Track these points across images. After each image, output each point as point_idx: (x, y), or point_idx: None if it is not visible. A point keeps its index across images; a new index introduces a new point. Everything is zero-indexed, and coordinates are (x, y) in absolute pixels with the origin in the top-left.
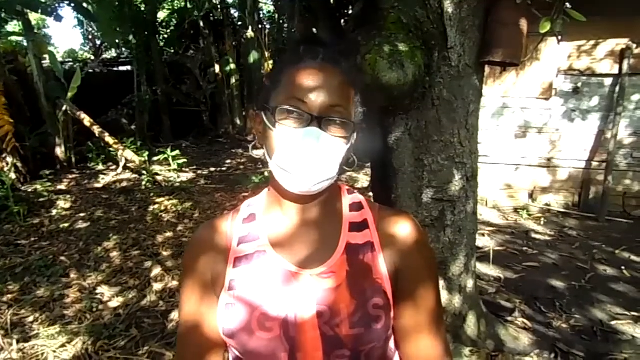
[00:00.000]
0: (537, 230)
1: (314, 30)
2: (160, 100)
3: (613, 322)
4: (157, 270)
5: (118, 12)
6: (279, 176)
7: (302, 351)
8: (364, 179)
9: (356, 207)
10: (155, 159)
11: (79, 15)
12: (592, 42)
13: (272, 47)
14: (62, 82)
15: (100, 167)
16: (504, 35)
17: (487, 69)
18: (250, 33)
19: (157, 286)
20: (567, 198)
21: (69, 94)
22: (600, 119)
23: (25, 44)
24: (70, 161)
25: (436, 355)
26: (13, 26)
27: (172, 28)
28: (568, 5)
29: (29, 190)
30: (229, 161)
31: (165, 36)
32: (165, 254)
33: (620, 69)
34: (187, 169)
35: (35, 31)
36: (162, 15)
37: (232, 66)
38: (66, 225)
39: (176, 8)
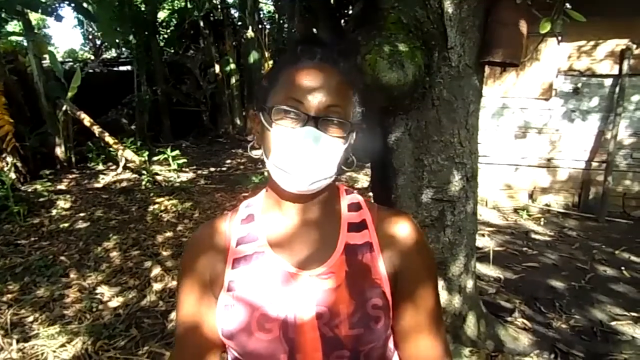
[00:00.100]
0: (537, 231)
1: (314, 30)
2: (160, 100)
3: (613, 323)
4: (157, 270)
5: (118, 12)
6: (277, 176)
7: (302, 352)
8: (363, 179)
9: (355, 207)
10: (155, 158)
11: (79, 15)
12: (592, 43)
13: (272, 47)
14: (62, 82)
15: (100, 167)
16: (504, 36)
17: (487, 69)
18: (250, 33)
19: (157, 286)
20: (567, 198)
21: (69, 94)
22: (600, 119)
23: (25, 43)
24: (70, 161)
25: (436, 355)
26: (13, 26)
27: (172, 28)
28: (568, 5)
29: (29, 190)
30: (228, 161)
31: (165, 36)
32: (165, 254)
33: (620, 70)
34: (187, 169)
35: (36, 31)
36: (162, 15)
37: (232, 66)
38: (66, 225)
39: (176, 8)
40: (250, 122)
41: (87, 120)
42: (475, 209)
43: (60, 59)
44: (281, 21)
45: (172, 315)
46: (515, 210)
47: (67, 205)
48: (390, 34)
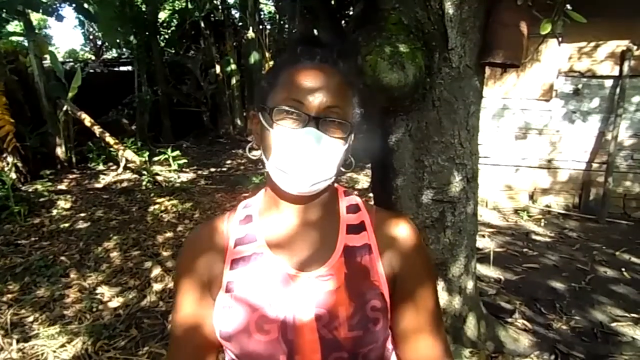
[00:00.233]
0: (537, 232)
1: (315, 30)
2: (160, 101)
3: (613, 324)
4: (157, 271)
5: (119, 12)
6: (277, 177)
7: (300, 354)
8: (364, 180)
9: (353, 209)
10: (155, 159)
11: (80, 16)
12: (592, 44)
13: (273, 47)
14: (63, 82)
15: (101, 167)
16: (504, 37)
17: (487, 70)
18: (251, 34)
19: (157, 286)
20: (568, 199)
21: (70, 94)
22: (601, 120)
23: (26, 44)
24: (71, 161)
25: (437, 356)
26: (14, 26)
27: (172, 28)
28: (568, 6)
29: (30, 190)
30: (229, 161)
31: (166, 36)
32: (165, 254)
33: (621, 71)
34: (188, 169)
35: (36, 31)
36: (163, 15)
37: (233, 67)
38: (66, 225)
39: (177, 8)
40: (249, 123)
41: (87, 120)
42: (475, 210)
43: (61, 59)
44: (282, 22)
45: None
46: (516, 211)
47: (68, 205)
48: (391, 35)
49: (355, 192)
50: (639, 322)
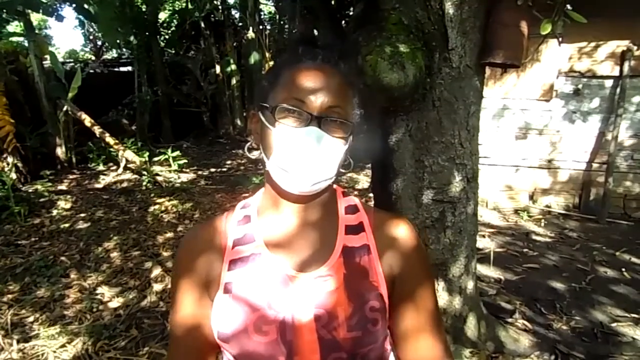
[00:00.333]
0: (538, 232)
1: (315, 31)
2: (160, 101)
3: (613, 324)
4: (157, 271)
5: (119, 12)
6: (277, 176)
7: (299, 354)
8: (364, 180)
9: (351, 209)
10: (155, 159)
11: (80, 16)
12: (592, 44)
13: (273, 48)
14: (63, 82)
15: (101, 167)
16: (504, 37)
17: (487, 70)
18: (251, 34)
19: (157, 287)
20: (568, 200)
21: (70, 94)
22: (601, 120)
23: (26, 44)
24: (71, 161)
25: (437, 356)
26: (14, 26)
27: (173, 29)
28: (569, 6)
29: (30, 190)
30: (229, 162)
31: (166, 37)
32: (165, 254)
33: (621, 71)
34: (188, 170)
35: (37, 31)
36: (163, 15)
37: (233, 67)
38: (66, 225)
39: (177, 9)
40: (249, 122)
41: (87, 120)
42: (475, 210)
43: (61, 60)
44: (282, 22)
45: None
46: (516, 212)
47: (68, 205)
48: (391, 35)
49: (355, 193)
50: (639, 322)
